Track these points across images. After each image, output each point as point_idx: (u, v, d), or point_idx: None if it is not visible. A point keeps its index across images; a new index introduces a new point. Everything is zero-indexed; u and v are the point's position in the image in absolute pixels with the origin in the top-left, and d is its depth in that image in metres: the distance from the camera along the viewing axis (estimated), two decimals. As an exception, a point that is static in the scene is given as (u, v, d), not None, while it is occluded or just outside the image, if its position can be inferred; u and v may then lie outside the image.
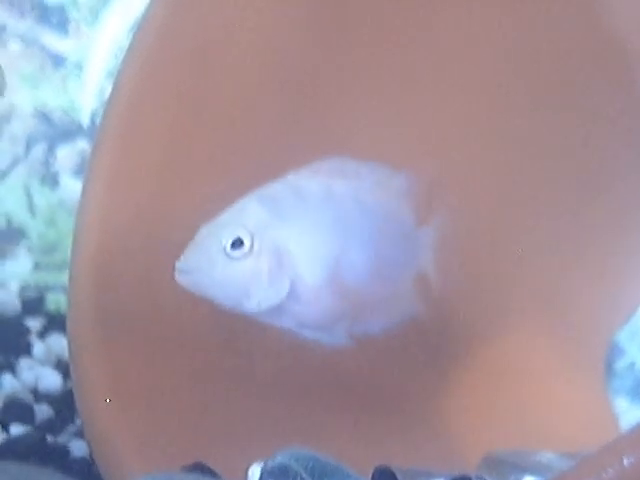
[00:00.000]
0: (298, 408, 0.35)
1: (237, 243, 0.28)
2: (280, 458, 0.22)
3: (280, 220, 0.29)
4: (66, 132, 0.48)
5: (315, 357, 0.34)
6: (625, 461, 0.20)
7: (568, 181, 0.41)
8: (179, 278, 0.29)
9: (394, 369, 0.38)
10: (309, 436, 0.31)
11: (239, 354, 0.35)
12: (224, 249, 0.28)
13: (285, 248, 0.29)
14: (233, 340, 0.35)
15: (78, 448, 0.41)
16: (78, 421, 0.43)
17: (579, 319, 0.42)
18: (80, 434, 0.43)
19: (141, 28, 0.36)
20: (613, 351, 0.43)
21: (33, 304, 0.47)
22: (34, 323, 0.47)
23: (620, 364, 0.43)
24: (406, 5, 0.38)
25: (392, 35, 0.38)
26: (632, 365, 0.43)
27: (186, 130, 0.36)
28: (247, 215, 0.29)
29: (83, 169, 0.48)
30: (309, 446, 0.24)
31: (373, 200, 0.30)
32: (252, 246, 0.28)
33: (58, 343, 0.46)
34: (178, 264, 0.29)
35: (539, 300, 0.41)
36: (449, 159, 0.38)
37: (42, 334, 0.46)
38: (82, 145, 0.48)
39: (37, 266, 0.48)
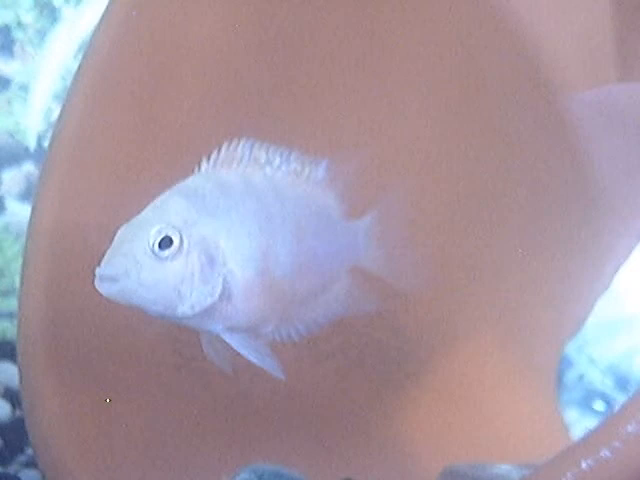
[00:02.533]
0: (255, 428, 0.35)
1: (165, 242, 0.26)
2: (243, 475, 0.22)
3: (207, 215, 0.27)
4: (12, 155, 0.47)
5: (273, 378, 0.34)
6: (583, 464, 0.20)
7: (517, 201, 0.42)
8: (101, 286, 0.26)
9: (352, 387, 0.38)
10: (267, 456, 0.31)
11: (194, 375, 0.35)
12: (152, 249, 0.26)
13: (215, 244, 0.27)
14: (188, 361, 0.35)
15: (29, 478, 0.40)
16: (28, 451, 0.42)
17: (530, 333, 0.43)
18: (30, 464, 0.42)
19: (90, 49, 0.35)
20: (563, 363, 0.43)
21: (-22, 331, 0.46)
22: (-21, 351, 0.46)
23: (569, 376, 0.44)
24: (357, 31, 0.38)
25: (343, 59, 0.38)
26: (581, 377, 0.44)
27: (136, 151, 0.36)
28: (172, 211, 0.27)
29: (29, 193, 0.47)
30: (270, 462, 0.24)
31: (292, 190, 0.29)
32: (181, 244, 0.26)
33: (4, 371, 0.45)
34: (99, 271, 0.26)
35: (491, 315, 0.42)
36: (402, 169, 0.39)
37: (-13, 362, 0.46)
38: (28, 168, 0.47)
39: (-18, 292, 0.47)
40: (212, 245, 0.27)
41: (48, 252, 0.35)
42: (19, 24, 0.47)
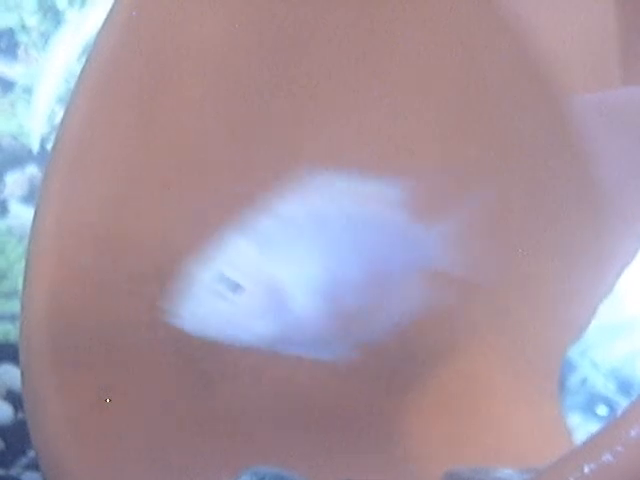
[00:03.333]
0: (256, 430, 0.35)
1: (229, 282, 0.28)
2: (244, 477, 0.22)
3: (269, 253, 0.29)
4: (15, 158, 0.47)
5: (274, 378, 0.34)
6: (586, 469, 0.20)
7: (518, 203, 0.42)
8: (176, 322, 0.28)
9: (352, 389, 0.38)
10: (268, 458, 0.31)
11: (195, 377, 0.35)
12: (216, 290, 0.28)
13: (276, 280, 0.29)
14: (189, 362, 0.35)
15: (31, 480, 0.40)
16: (30, 453, 0.42)
17: (532, 337, 0.43)
18: (32, 466, 0.42)
19: (94, 52, 0.35)
20: (565, 367, 0.43)
21: (-19, 334, 0.46)
22: (-18, 353, 0.46)
23: (572, 380, 0.44)
24: (358, 30, 0.38)
25: (343, 59, 0.38)
26: (584, 381, 0.44)
27: (140, 154, 0.36)
28: (235, 252, 0.29)
29: (32, 195, 0.47)
30: (271, 465, 0.24)
31: (361, 211, 0.30)
32: (244, 283, 0.28)
33: (7, 373, 0.45)
34: (167, 307, 0.28)
35: (492, 318, 0.42)
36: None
37: (-10, 365, 0.46)
38: (32, 171, 0.48)
39: (-15, 294, 0.47)
40: (273, 281, 0.28)
41: (51, 254, 0.35)
42: (23, 27, 0.47)
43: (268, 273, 0.28)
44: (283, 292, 0.29)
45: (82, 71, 0.36)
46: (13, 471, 0.41)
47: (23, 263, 0.35)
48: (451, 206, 0.32)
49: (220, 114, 0.37)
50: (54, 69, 0.47)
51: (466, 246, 0.32)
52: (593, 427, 0.43)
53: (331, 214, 0.30)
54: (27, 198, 0.47)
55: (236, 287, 0.28)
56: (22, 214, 0.47)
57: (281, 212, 0.30)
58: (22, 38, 0.47)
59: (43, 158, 0.46)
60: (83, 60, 0.36)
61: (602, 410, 0.43)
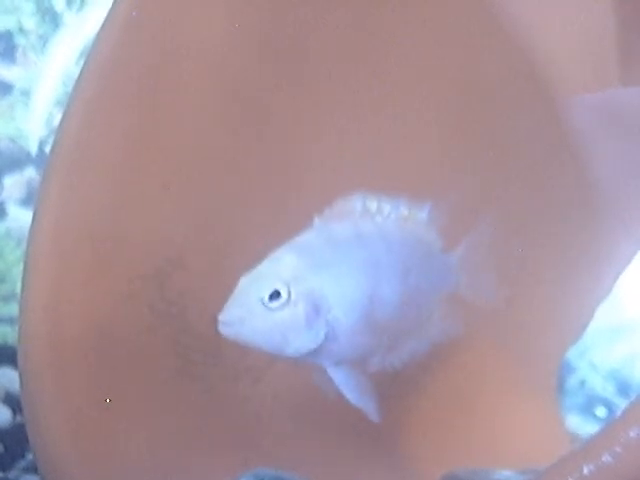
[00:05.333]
0: (257, 432, 0.35)
1: (274, 295, 0.30)
2: (244, 479, 0.22)
3: (315, 269, 0.30)
4: (13, 161, 0.47)
5: (274, 380, 0.34)
6: (585, 470, 0.20)
7: (516, 205, 0.42)
8: (222, 330, 0.30)
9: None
10: (268, 460, 0.31)
11: (196, 379, 0.35)
12: (262, 301, 0.30)
13: (320, 295, 0.30)
14: (190, 365, 0.35)
15: (29, 483, 0.40)
16: (29, 456, 0.42)
17: (531, 339, 0.43)
18: (31, 469, 0.42)
19: (92, 55, 0.35)
20: (564, 369, 0.43)
21: (-21, 336, 0.46)
22: (-20, 356, 0.46)
23: (571, 382, 0.44)
24: (359, 31, 0.38)
25: (345, 64, 0.38)
26: (583, 383, 0.44)
27: (138, 157, 0.36)
28: (283, 267, 0.30)
29: (31, 198, 0.47)
30: (271, 466, 0.24)
31: (399, 234, 0.32)
32: (289, 297, 0.30)
33: (5, 376, 0.45)
34: (220, 317, 0.30)
35: (491, 320, 0.42)
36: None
37: (-11, 367, 0.46)
38: (30, 174, 0.48)
39: (-17, 297, 0.47)
40: (318, 296, 0.30)
41: (49, 257, 0.35)
42: (21, 30, 0.47)
43: (313, 288, 0.30)
44: (325, 304, 0.30)
45: (81, 72, 0.36)
46: (12, 474, 0.41)
47: (21, 266, 0.35)
48: (467, 226, 0.33)
49: (220, 114, 0.37)
50: (52, 72, 0.47)
51: (479, 268, 0.33)
52: (592, 428, 0.43)
53: (371, 233, 0.31)
54: (25, 201, 0.47)
55: (282, 300, 0.30)
56: (20, 217, 0.47)
57: (326, 229, 0.31)
58: (20, 41, 0.47)
59: (41, 161, 0.46)
60: (81, 63, 0.36)
61: (601, 411, 0.43)
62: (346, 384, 0.31)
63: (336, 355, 0.31)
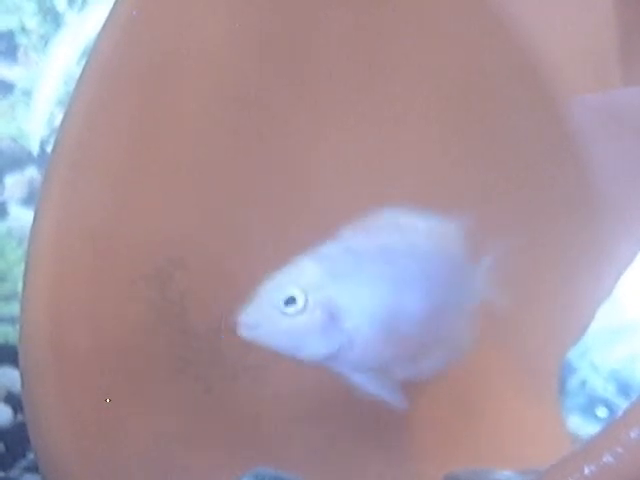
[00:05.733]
0: (257, 432, 0.35)
1: (291, 301, 0.31)
2: (245, 479, 0.22)
3: (335, 278, 0.31)
4: (15, 160, 0.47)
5: (273, 380, 0.34)
6: (586, 470, 0.20)
7: (517, 205, 0.42)
8: (241, 332, 0.31)
9: (353, 393, 0.38)
10: (268, 460, 0.31)
11: (196, 379, 0.35)
12: (279, 307, 0.30)
13: (337, 304, 0.31)
14: (190, 365, 0.35)
15: (30, 483, 0.40)
16: (30, 455, 0.42)
17: (532, 339, 0.43)
18: (32, 469, 0.42)
19: (93, 54, 0.35)
20: (565, 370, 0.43)
21: (-20, 336, 0.46)
22: (-18, 355, 0.46)
23: (572, 382, 0.44)
24: (361, 36, 0.38)
25: (345, 64, 0.38)
26: (583, 383, 0.44)
27: (139, 157, 0.36)
28: (301, 274, 0.31)
29: (32, 198, 0.47)
30: (271, 466, 0.24)
31: (427, 249, 0.33)
32: (306, 303, 0.31)
33: (6, 375, 0.45)
34: (240, 318, 0.30)
35: (492, 320, 0.42)
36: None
37: (-10, 367, 0.46)
38: (31, 173, 0.48)
39: (-15, 297, 0.47)
40: (335, 305, 0.31)
41: (50, 257, 0.35)
42: (23, 29, 0.47)
43: (330, 297, 0.31)
44: (342, 313, 0.31)
45: (82, 72, 0.36)
46: (13, 473, 0.41)
47: (23, 265, 0.35)
48: (492, 239, 0.34)
49: (221, 114, 0.37)
50: (54, 71, 0.47)
51: (506, 278, 0.34)
52: (593, 429, 0.43)
53: (399, 248, 0.32)
54: (27, 200, 0.47)
55: (298, 306, 0.30)
56: (22, 216, 0.47)
57: (351, 242, 0.32)
58: (22, 40, 0.47)
59: (43, 160, 0.46)
60: (83, 63, 0.36)
61: (602, 412, 0.43)
62: (369, 385, 0.32)
63: (353, 363, 0.31)
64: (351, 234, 0.32)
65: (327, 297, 0.31)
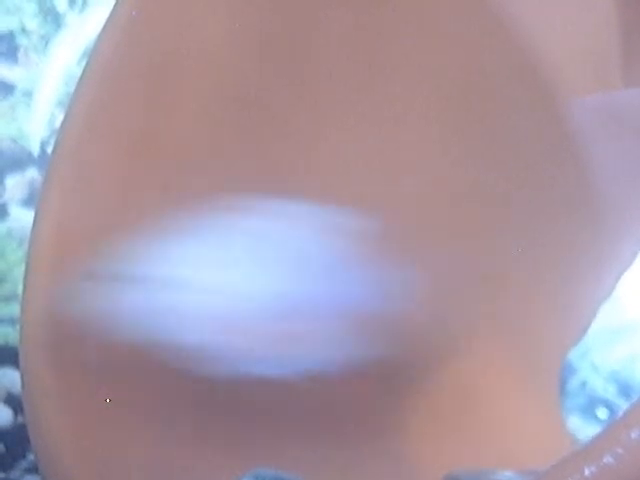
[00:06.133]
0: (257, 433, 0.35)
1: (159, 278, 0.29)
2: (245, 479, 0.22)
3: (213, 260, 0.30)
4: (15, 161, 0.47)
5: (272, 381, 0.34)
6: (586, 471, 0.20)
7: (518, 206, 0.42)
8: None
9: (353, 394, 0.38)
10: (268, 461, 0.31)
11: (196, 380, 0.35)
12: (153, 285, 0.29)
13: (218, 287, 0.29)
14: (190, 366, 0.35)
15: (31, 483, 0.40)
16: (30, 456, 0.42)
17: (532, 339, 0.42)
18: (32, 470, 0.42)
19: (93, 55, 0.35)
20: (565, 370, 0.43)
21: (-19, 337, 0.46)
22: (-18, 356, 0.46)
23: (572, 383, 0.44)
24: (361, 36, 0.38)
25: (346, 64, 0.38)
26: (584, 384, 0.44)
27: (141, 158, 0.36)
28: (179, 254, 0.30)
29: (32, 199, 0.47)
30: (271, 466, 0.24)
31: (298, 235, 0.31)
32: (181, 283, 0.29)
33: (6, 376, 0.45)
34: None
35: (492, 321, 0.42)
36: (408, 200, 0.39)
37: (-10, 368, 0.46)
38: (32, 174, 0.48)
39: (-15, 298, 0.47)
40: (212, 286, 0.29)
41: (51, 258, 0.35)
42: (23, 30, 0.47)
43: (209, 280, 0.29)
44: (222, 300, 0.29)
45: (83, 73, 0.36)
46: (13, 474, 0.41)
47: (23, 266, 0.35)
48: (431, 250, 0.32)
49: (221, 114, 0.37)
50: (54, 72, 0.47)
51: (437, 298, 0.32)
52: (593, 430, 0.43)
53: (262, 234, 0.30)
54: (27, 201, 0.47)
55: (173, 286, 0.29)
56: (22, 217, 0.47)
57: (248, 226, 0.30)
58: (22, 41, 0.47)
59: (43, 161, 0.46)
60: (83, 64, 0.36)
61: (602, 413, 0.43)
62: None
63: (204, 351, 0.30)
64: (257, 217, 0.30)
65: (206, 280, 0.29)
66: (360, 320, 0.31)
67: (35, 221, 0.35)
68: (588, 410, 0.43)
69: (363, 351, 0.31)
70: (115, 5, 0.35)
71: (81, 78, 0.36)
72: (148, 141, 0.36)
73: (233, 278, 0.29)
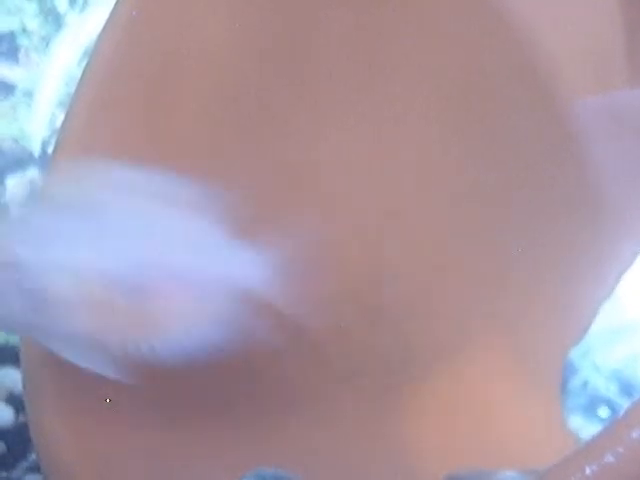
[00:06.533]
0: (258, 433, 0.35)
1: None
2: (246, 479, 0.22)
3: (25, 236, 0.28)
4: (16, 161, 0.47)
5: (272, 381, 0.34)
6: (587, 470, 0.20)
7: (518, 207, 0.42)
8: None
9: (354, 394, 0.38)
10: (270, 461, 0.31)
11: (196, 381, 0.35)
12: None
13: (28, 262, 0.28)
14: (190, 366, 0.35)
15: (32, 483, 0.40)
16: (31, 456, 0.42)
17: (534, 339, 0.42)
18: (33, 469, 0.42)
19: (94, 55, 0.36)
20: (567, 370, 0.43)
21: (-18, 337, 0.46)
22: (-17, 356, 0.46)
23: (574, 382, 0.44)
24: (361, 36, 0.38)
25: (346, 64, 0.38)
26: (585, 384, 0.44)
27: (139, 157, 0.36)
28: None
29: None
30: (272, 466, 0.24)
31: (152, 211, 0.29)
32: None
33: (8, 376, 0.45)
34: None
35: (493, 321, 0.42)
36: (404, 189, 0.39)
37: (-8, 367, 0.46)
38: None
39: (-14, 298, 0.47)
40: (24, 263, 0.27)
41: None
42: (24, 30, 0.47)
43: (17, 254, 0.27)
44: (31, 275, 0.27)
45: (83, 73, 0.36)
46: (14, 474, 0.41)
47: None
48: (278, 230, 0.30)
49: (221, 114, 0.37)
50: (55, 72, 0.47)
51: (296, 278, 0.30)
52: (595, 429, 0.43)
53: (110, 207, 0.29)
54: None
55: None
56: (23, 217, 0.47)
57: (54, 199, 0.29)
58: (23, 41, 0.47)
59: (44, 162, 0.47)
60: (84, 64, 0.36)
61: (604, 412, 0.43)
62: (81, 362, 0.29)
63: (58, 334, 0.28)
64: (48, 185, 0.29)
65: (13, 254, 0.27)
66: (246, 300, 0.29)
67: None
68: (590, 409, 0.43)
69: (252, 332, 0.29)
70: (115, 5, 0.35)
71: (82, 78, 0.36)
72: (148, 140, 0.36)
73: (105, 255, 0.27)
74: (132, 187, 0.29)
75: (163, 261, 0.29)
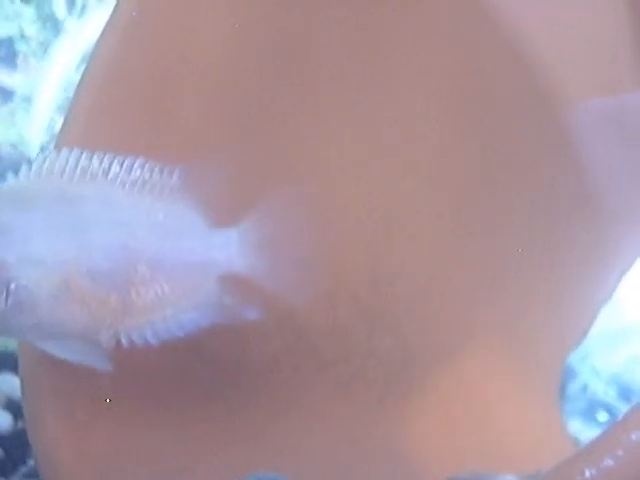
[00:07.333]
0: (257, 436, 0.35)
1: None
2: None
3: None
4: (14, 166, 0.47)
5: (271, 381, 0.34)
6: (587, 473, 0.20)
7: (518, 209, 0.42)
8: None
9: (353, 395, 0.38)
10: (269, 464, 0.31)
11: (196, 381, 0.35)
12: None
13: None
14: (190, 366, 0.35)
15: (31, 489, 0.40)
16: (30, 462, 0.42)
17: (533, 343, 0.42)
18: (32, 475, 0.42)
19: (92, 60, 0.36)
20: (566, 374, 0.43)
21: (-19, 343, 0.46)
22: (-18, 362, 0.46)
23: (573, 387, 0.43)
24: (361, 36, 0.38)
25: (346, 64, 0.38)
26: (584, 387, 0.44)
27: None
28: None
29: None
30: (272, 469, 0.24)
31: (131, 198, 0.29)
32: None
33: (6, 382, 0.45)
34: None
35: (493, 324, 0.42)
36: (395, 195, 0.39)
37: (-9, 373, 0.45)
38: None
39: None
40: None
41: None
42: (22, 36, 0.47)
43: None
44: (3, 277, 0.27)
45: (82, 78, 0.36)
46: (13, 479, 0.41)
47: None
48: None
49: (221, 115, 0.37)
50: (53, 78, 0.47)
51: (268, 248, 0.30)
52: (594, 433, 0.43)
53: (88, 197, 0.28)
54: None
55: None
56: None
57: (28, 192, 0.28)
58: (21, 47, 0.47)
59: (42, 167, 0.46)
60: (82, 69, 0.36)
61: (603, 416, 0.43)
62: (62, 354, 0.28)
63: (37, 328, 0.28)
64: (28, 178, 0.29)
65: None
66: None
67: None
68: (588, 413, 0.43)
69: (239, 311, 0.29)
70: (115, 6, 0.35)
71: (80, 82, 0.36)
72: (148, 144, 0.36)
73: (83, 247, 0.27)
74: (108, 176, 0.29)
75: (143, 247, 0.29)
